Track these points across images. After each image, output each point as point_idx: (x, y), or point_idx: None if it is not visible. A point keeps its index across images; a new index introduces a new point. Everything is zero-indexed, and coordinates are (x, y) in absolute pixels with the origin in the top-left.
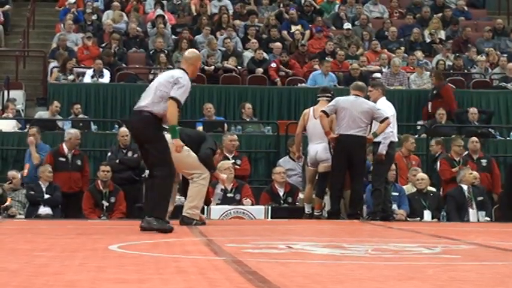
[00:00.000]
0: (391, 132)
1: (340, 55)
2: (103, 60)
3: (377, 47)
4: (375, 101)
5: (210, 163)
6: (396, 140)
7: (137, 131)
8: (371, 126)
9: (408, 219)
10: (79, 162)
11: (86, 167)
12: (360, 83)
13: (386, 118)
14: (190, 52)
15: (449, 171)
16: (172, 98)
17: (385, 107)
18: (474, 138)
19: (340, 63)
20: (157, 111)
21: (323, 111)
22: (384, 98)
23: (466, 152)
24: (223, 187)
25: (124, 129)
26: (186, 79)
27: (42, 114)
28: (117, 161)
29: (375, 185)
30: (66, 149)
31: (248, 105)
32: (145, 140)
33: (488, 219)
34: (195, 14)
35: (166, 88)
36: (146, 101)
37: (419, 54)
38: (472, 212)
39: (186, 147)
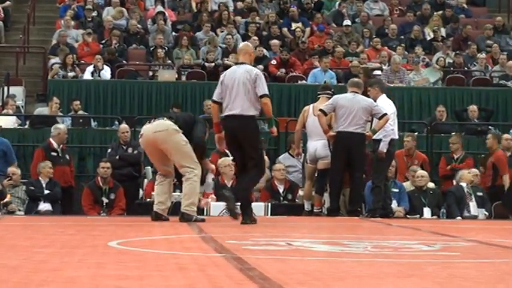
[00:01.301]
0: (392, 130)
1: (338, 52)
2: (104, 57)
3: (378, 45)
4: (374, 99)
5: (204, 149)
6: (397, 137)
7: (245, 135)
8: (371, 123)
9: (408, 216)
10: (67, 157)
11: (72, 162)
12: (356, 79)
13: (385, 114)
14: (243, 44)
15: (443, 169)
16: (265, 95)
17: (385, 105)
18: (508, 136)
19: (338, 60)
20: (255, 113)
21: (321, 110)
22: (384, 96)
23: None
24: (213, 177)
25: (124, 126)
26: (259, 71)
27: (41, 110)
28: (117, 157)
29: (375, 182)
30: (55, 144)
31: None
32: (249, 142)
33: (486, 213)
34: (195, 10)
35: (249, 88)
36: (247, 106)
37: (419, 51)
38: (473, 205)
39: (184, 138)
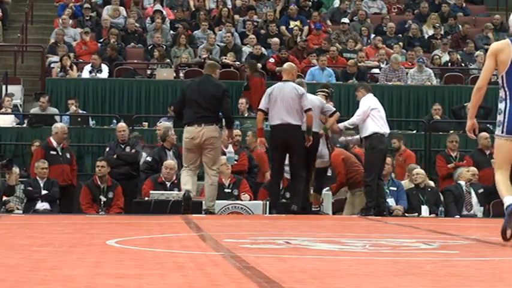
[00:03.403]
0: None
1: (332, 51)
2: (106, 54)
3: (379, 43)
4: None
5: (233, 121)
6: (385, 132)
7: (294, 142)
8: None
9: (406, 214)
10: (68, 156)
11: (74, 161)
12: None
13: (335, 112)
14: (288, 65)
15: (445, 168)
16: (310, 109)
17: (365, 101)
18: (485, 134)
19: (333, 59)
20: (301, 123)
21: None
22: (369, 95)
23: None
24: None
25: (122, 124)
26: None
27: (36, 109)
28: (115, 156)
29: (366, 181)
30: (55, 143)
31: (241, 101)
32: (297, 148)
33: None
34: (193, 9)
35: (297, 103)
36: (296, 118)
37: (417, 49)
38: (475, 203)
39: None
